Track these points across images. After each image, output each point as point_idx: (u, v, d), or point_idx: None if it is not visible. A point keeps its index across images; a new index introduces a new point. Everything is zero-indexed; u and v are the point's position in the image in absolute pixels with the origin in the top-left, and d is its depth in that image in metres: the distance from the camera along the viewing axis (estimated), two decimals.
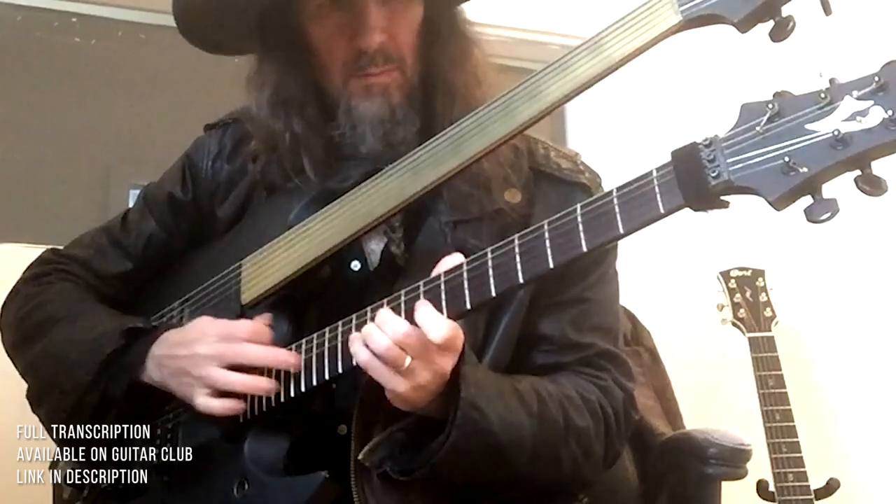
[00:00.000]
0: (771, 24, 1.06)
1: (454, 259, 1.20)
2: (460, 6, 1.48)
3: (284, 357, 1.30)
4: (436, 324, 1.16)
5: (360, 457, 1.25)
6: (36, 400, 1.50)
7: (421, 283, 1.20)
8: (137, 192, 1.72)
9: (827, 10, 1.03)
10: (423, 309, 1.17)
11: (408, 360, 1.17)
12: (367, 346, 1.19)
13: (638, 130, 2.61)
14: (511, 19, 2.53)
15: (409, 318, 1.18)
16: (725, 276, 2.42)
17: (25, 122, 2.38)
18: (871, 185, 0.90)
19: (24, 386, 1.54)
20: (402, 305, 1.20)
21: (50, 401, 1.45)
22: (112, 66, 2.47)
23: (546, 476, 1.33)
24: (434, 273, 1.20)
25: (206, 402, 1.32)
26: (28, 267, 1.64)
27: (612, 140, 2.57)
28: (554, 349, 1.42)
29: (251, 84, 1.50)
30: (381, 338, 1.17)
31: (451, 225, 1.40)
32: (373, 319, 1.21)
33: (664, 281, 2.51)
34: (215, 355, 1.32)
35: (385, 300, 1.22)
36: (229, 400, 1.31)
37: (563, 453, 1.32)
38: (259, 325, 1.34)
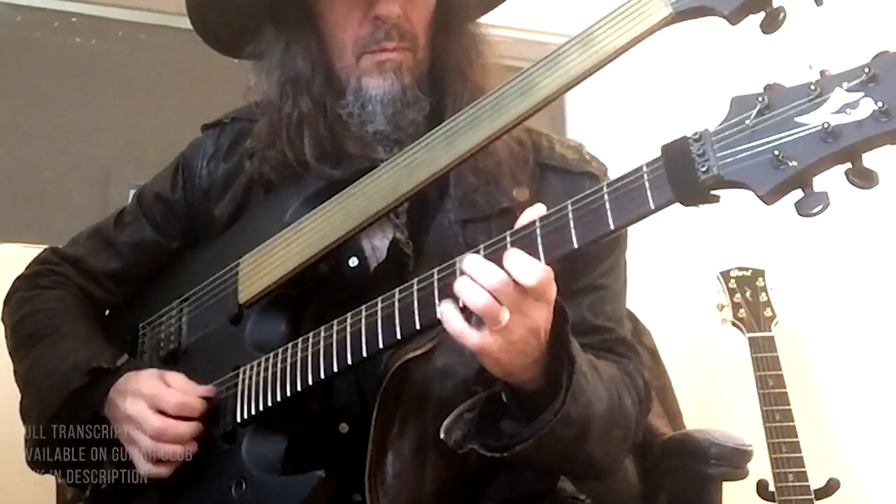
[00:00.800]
0: (762, 15, 1.05)
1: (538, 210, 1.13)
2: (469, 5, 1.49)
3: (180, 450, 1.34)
4: (528, 267, 1.08)
5: (441, 437, 1.22)
6: (22, 418, 1.52)
7: (435, 271, 1.17)
8: None
9: (818, 0, 1.02)
10: (513, 252, 1.09)
11: (505, 315, 1.09)
12: (459, 300, 1.11)
13: (637, 124, 2.60)
14: (511, 19, 2.52)
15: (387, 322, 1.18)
16: (725, 276, 2.42)
17: (25, 122, 2.39)
18: (862, 178, 0.89)
19: None
20: (396, 304, 1.19)
21: (28, 423, 1.49)
22: (112, 66, 2.47)
23: (598, 455, 1.29)
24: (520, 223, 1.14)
25: (135, 462, 1.37)
26: (28, 264, 1.66)
27: (612, 133, 2.56)
28: (575, 333, 1.40)
29: (261, 68, 1.50)
30: (478, 293, 1.09)
31: (461, 223, 1.40)
32: (369, 318, 1.21)
33: (664, 281, 2.51)
34: (139, 419, 1.35)
35: (380, 299, 1.21)
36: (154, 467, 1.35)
37: (615, 433, 1.30)
38: (191, 400, 1.35)
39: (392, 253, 1.41)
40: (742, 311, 2.37)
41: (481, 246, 1.14)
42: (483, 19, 1.52)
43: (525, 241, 1.10)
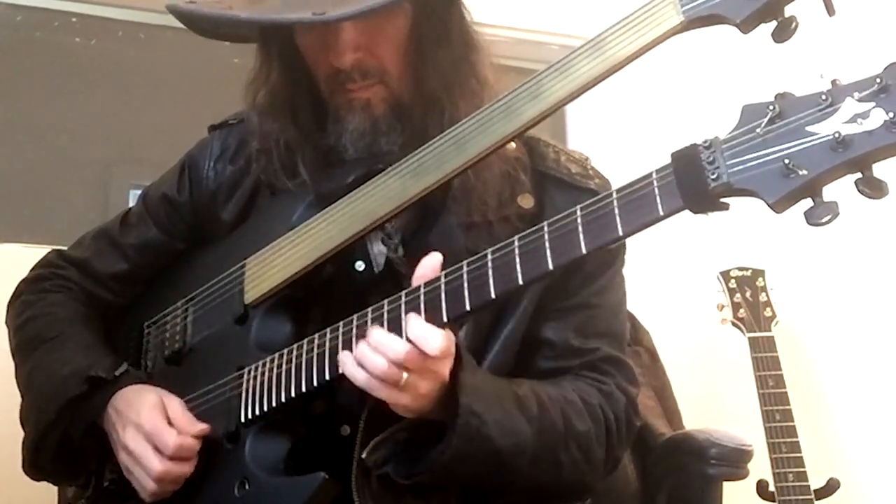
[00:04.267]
0: (773, 24, 1.04)
1: (432, 261, 1.21)
2: (454, 15, 1.44)
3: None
4: (431, 336, 1.16)
5: (362, 456, 1.25)
6: (21, 422, 1.52)
7: (421, 285, 1.19)
8: (137, 192, 1.73)
9: (830, 10, 1.02)
10: (415, 322, 1.17)
11: (405, 376, 1.17)
12: (363, 366, 1.19)
13: (638, 130, 2.60)
14: (511, 19, 2.52)
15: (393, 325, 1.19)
16: (725, 276, 2.43)
17: (25, 122, 2.38)
18: (872, 188, 0.89)
19: None
20: (403, 307, 1.19)
21: (26, 428, 1.50)
22: (112, 66, 2.47)
23: (546, 479, 1.34)
24: (414, 283, 1.21)
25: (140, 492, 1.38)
26: (33, 266, 1.66)
27: (612, 139, 2.56)
28: (556, 355, 1.42)
29: (249, 87, 1.50)
30: (378, 360, 1.17)
31: (465, 227, 1.40)
32: (374, 322, 1.21)
33: (664, 281, 2.50)
34: (134, 452, 1.36)
35: (386, 301, 1.22)
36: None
37: (563, 457, 1.33)
38: (188, 443, 1.35)
39: (387, 267, 1.42)
40: (742, 311, 2.37)
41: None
42: (483, 19, 1.48)
43: (533, 245, 1.11)
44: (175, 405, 1.39)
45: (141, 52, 2.49)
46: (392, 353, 1.16)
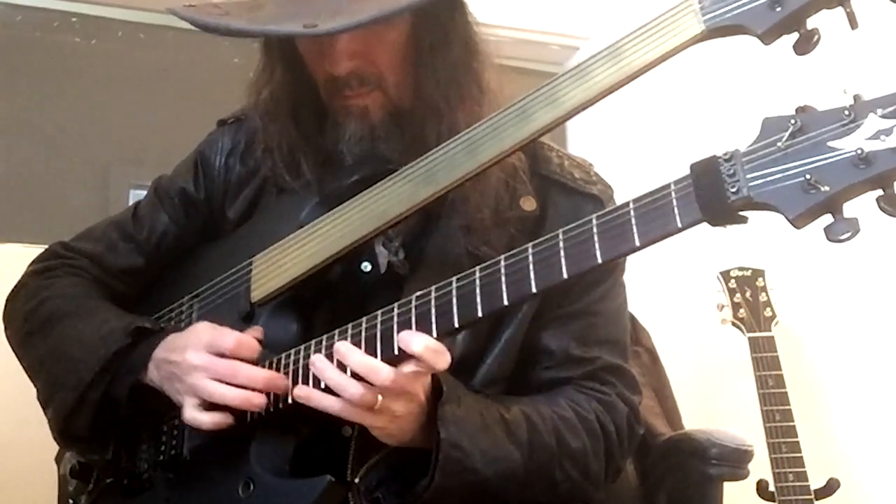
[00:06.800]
0: (795, 36, 1.03)
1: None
2: (456, 20, 1.42)
3: (275, 381, 1.28)
4: (377, 370, 1.16)
5: (355, 480, 1.26)
6: (45, 401, 1.48)
7: (433, 288, 1.18)
8: (137, 191, 1.73)
9: (853, 23, 1.01)
10: (357, 356, 1.18)
11: (380, 399, 1.16)
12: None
13: (639, 137, 2.60)
14: (511, 19, 2.52)
15: (403, 329, 1.18)
16: (725, 276, 2.43)
17: (25, 122, 2.38)
18: (894, 206, 0.89)
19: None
20: (413, 312, 1.19)
21: (55, 399, 1.45)
22: (112, 66, 2.46)
23: (542, 499, 1.34)
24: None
25: (194, 415, 1.30)
26: (36, 259, 1.63)
27: (613, 146, 2.55)
28: (555, 364, 1.42)
29: (252, 87, 1.49)
30: (353, 386, 1.17)
31: (464, 229, 1.39)
32: (385, 324, 1.20)
33: (664, 281, 2.50)
34: (206, 366, 1.29)
35: (397, 304, 1.21)
36: (217, 414, 1.30)
37: (559, 476, 1.34)
38: (247, 338, 1.32)
39: (389, 271, 1.42)
40: (742, 311, 2.37)
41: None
42: (483, 19, 1.47)
43: (547, 253, 1.10)
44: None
45: (141, 52, 2.48)
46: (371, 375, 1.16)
